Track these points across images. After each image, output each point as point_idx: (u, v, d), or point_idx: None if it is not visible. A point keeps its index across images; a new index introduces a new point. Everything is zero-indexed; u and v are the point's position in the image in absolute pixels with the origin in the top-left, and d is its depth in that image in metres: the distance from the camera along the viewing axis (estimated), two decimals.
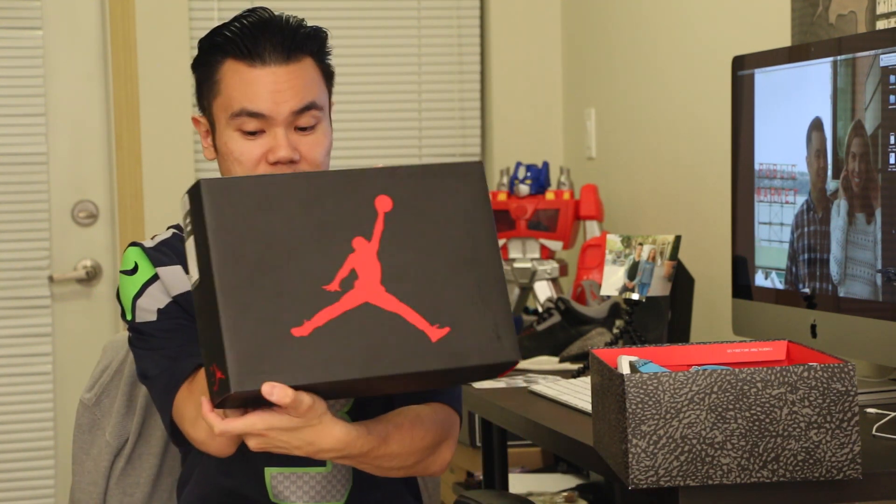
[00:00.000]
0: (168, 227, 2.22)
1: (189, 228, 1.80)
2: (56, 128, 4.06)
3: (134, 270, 2.14)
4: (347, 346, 1.78)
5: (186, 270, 2.08)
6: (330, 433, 1.86)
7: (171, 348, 2.08)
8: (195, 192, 1.78)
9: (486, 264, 1.85)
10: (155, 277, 2.12)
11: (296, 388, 1.76)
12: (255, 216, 1.77)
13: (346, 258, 1.79)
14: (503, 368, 1.87)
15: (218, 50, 2.09)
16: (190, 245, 1.80)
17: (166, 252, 2.14)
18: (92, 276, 4.10)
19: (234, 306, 1.75)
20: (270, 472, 2.13)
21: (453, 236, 1.85)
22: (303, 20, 2.12)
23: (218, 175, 2.14)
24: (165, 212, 4.04)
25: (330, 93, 2.16)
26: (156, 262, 2.13)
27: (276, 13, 2.11)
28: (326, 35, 2.15)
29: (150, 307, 2.11)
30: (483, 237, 1.86)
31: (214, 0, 4.12)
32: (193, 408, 2.00)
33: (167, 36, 4.05)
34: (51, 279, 4.06)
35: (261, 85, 2.06)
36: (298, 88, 2.07)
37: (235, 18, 2.10)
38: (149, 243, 2.17)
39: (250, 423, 1.81)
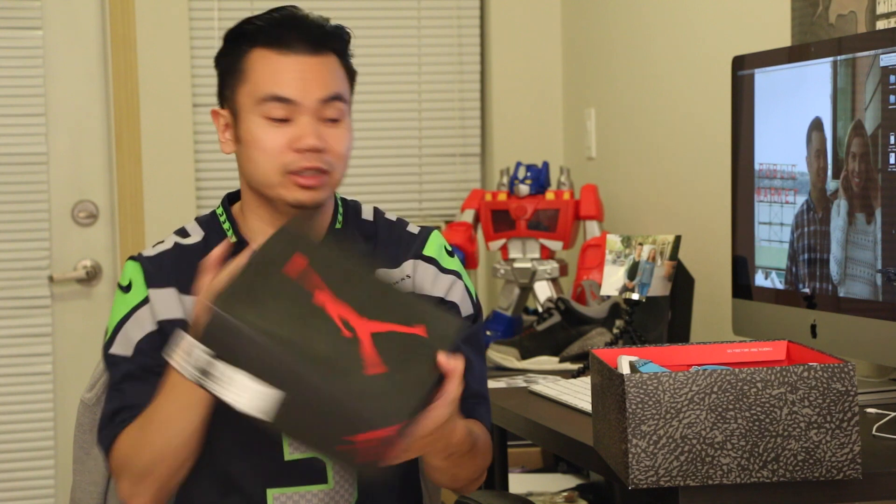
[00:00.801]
0: (173, 232, 2.21)
1: (214, 361, 1.76)
2: (56, 128, 4.06)
3: (129, 288, 2.14)
4: (408, 365, 1.80)
5: (182, 291, 2.11)
6: (457, 424, 1.92)
7: (129, 395, 2.09)
8: (213, 331, 1.74)
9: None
10: (146, 300, 2.12)
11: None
12: (261, 335, 1.77)
13: (327, 311, 1.81)
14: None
15: (245, 39, 2.11)
16: (229, 374, 1.76)
17: (164, 268, 2.14)
18: (92, 276, 4.10)
19: (325, 382, 1.73)
20: (272, 493, 2.12)
21: (355, 253, 1.94)
22: (328, 19, 2.15)
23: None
24: (165, 212, 4.04)
25: (351, 93, 2.17)
26: (150, 281, 2.13)
27: (304, 11, 2.15)
28: (350, 36, 2.17)
29: (130, 338, 2.11)
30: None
31: (215, 0, 4.12)
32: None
33: (167, 36, 4.05)
34: (51, 279, 4.06)
35: (289, 72, 2.08)
36: (325, 78, 2.09)
37: (264, 13, 2.13)
38: (149, 252, 2.17)
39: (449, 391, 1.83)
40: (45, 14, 4.03)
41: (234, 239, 2.15)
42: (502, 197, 3.76)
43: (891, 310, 2.31)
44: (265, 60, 2.09)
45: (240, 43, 2.12)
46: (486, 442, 2.14)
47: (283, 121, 2.08)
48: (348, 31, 2.17)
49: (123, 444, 2.06)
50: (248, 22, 2.12)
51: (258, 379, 1.74)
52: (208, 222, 2.19)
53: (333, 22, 2.17)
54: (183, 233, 2.19)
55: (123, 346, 2.11)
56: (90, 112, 4.08)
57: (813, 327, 2.53)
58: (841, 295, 2.45)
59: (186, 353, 1.74)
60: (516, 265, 3.72)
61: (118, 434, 2.07)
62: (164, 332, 2.09)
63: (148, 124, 4.06)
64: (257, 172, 2.10)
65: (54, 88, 4.05)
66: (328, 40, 2.12)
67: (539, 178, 3.75)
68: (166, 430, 2.00)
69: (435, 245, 2.21)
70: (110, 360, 2.12)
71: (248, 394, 1.73)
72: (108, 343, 2.12)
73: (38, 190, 4.04)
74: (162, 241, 2.19)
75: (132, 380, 2.09)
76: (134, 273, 2.14)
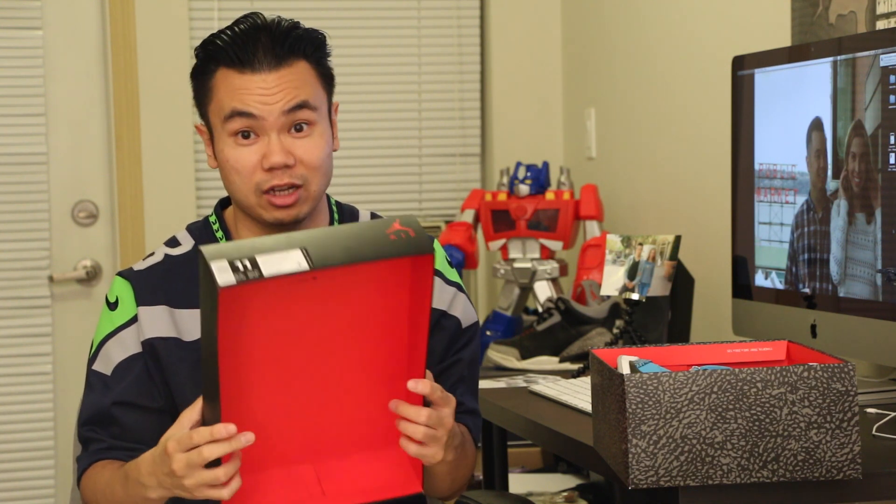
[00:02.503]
0: (164, 242, 2.20)
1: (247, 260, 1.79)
2: (56, 128, 4.06)
3: (115, 305, 2.13)
4: None
5: (173, 305, 2.11)
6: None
7: (107, 419, 2.10)
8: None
9: None
10: (133, 319, 2.11)
11: None
12: None
13: None
14: None
15: (211, 59, 2.08)
16: (263, 260, 1.78)
17: (154, 283, 2.13)
18: (92, 276, 4.10)
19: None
20: None
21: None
22: (297, 23, 2.10)
23: (217, 170, 2.13)
24: (165, 212, 4.04)
25: (329, 95, 2.13)
26: (140, 299, 2.12)
27: (270, 18, 2.09)
28: (324, 37, 2.12)
29: (112, 357, 2.11)
30: None
31: (215, 0, 4.12)
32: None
33: (167, 36, 4.05)
34: (51, 279, 4.06)
35: (251, 89, 2.04)
36: (289, 89, 2.05)
37: (229, 26, 2.08)
38: (139, 266, 2.16)
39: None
40: (45, 14, 4.03)
41: None
42: (502, 197, 3.76)
43: (891, 310, 2.31)
44: (228, 81, 2.06)
45: (207, 62, 2.09)
46: (472, 449, 2.14)
47: (251, 139, 2.06)
48: (321, 34, 2.11)
49: (89, 486, 2.07)
50: (213, 39, 2.08)
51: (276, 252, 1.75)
52: (200, 230, 2.18)
53: (311, 24, 2.12)
54: (173, 242, 2.18)
55: (104, 365, 2.12)
56: (90, 112, 4.08)
57: (813, 327, 2.53)
58: (841, 295, 2.45)
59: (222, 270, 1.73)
60: (516, 265, 3.72)
61: (87, 468, 2.08)
62: (154, 350, 2.10)
63: (148, 124, 4.06)
64: (236, 193, 2.10)
65: (54, 88, 4.05)
66: (295, 47, 2.07)
67: (539, 178, 3.75)
68: None
69: (439, 256, 2.21)
70: (91, 376, 2.13)
71: (285, 262, 1.74)
72: (92, 358, 2.13)
73: (38, 190, 4.04)
74: (152, 254, 2.18)
75: (117, 405, 2.09)
76: (122, 291, 2.13)
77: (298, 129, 2.07)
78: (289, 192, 2.06)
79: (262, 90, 2.04)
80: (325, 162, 2.09)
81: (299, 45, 2.07)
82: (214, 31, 2.11)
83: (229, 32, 2.07)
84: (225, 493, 1.80)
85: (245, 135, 2.06)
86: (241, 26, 2.07)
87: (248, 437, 1.77)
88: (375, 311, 1.82)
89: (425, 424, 1.85)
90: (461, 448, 2.03)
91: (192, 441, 1.79)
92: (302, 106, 2.06)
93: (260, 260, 1.71)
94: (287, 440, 1.85)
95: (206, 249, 1.70)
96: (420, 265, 1.79)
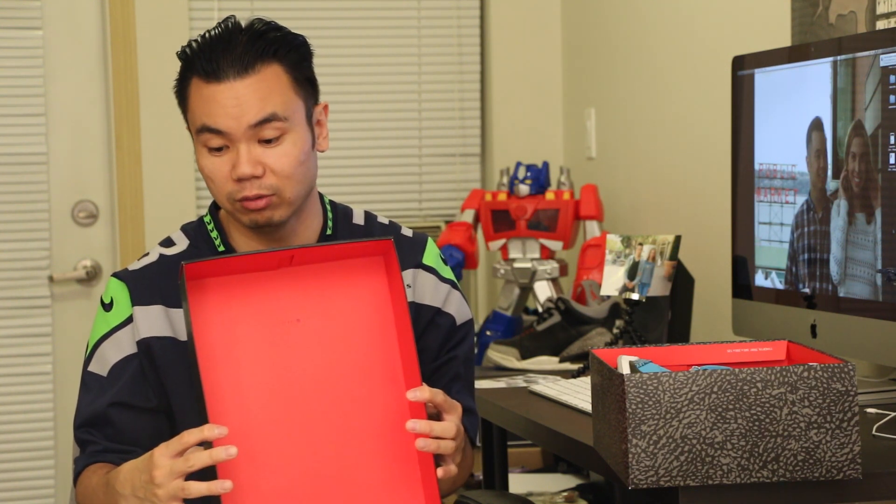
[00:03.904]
0: (158, 243, 2.20)
1: None
2: (56, 128, 4.06)
3: (110, 306, 2.13)
4: None
5: (168, 305, 2.11)
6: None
7: (103, 420, 2.10)
8: None
9: None
10: (129, 320, 2.11)
11: None
12: None
13: None
14: None
15: (186, 68, 2.09)
16: None
17: (149, 283, 2.13)
18: (92, 276, 4.10)
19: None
20: None
21: None
22: (275, 25, 2.08)
23: None
24: (165, 212, 4.04)
25: (309, 99, 2.11)
26: (136, 299, 2.12)
27: (246, 21, 2.08)
28: (301, 41, 2.10)
29: (107, 358, 2.10)
30: None
31: (215, 0, 4.12)
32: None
33: (167, 36, 4.05)
34: (51, 279, 4.06)
35: (218, 101, 2.04)
36: (256, 101, 2.04)
37: (204, 32, 2.08)
38: (134, 266, 2.16)
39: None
40: (45, 14, 4.03)
41: (222, 248, 2.15)
42: (502, 197, 3.76)
43: (891, 310, 2.31)
44: (199, 92, 2.06)
45: (183, 71, 2.10)
46: (470, 449, 2.15)
47: (222, 150, 2.06)
48: (299, 37, 2.10)
49: (81, 489, 2.07)
50: (188, 45, 2.08)
51: None
52: (195, 230, 2.19)
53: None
54: (168, 243, 2.18)
55: (99, 366, 2.11)
56: (90, 112, 4.08)
57: (813, 327, 2.53)
58: (841, 295, 2.45)
59: None
60: (516, 265, 3.72)
61: (82, 470, 2.08)
62: (149, 349, 2.10)
63: (148, 124, 4.06)
64: (215, 198, 2.12)
65: (54, 88, 4.05)
66: (265, 51, 2.05)
67: (539, 178, 3.75)
68: None
69: (433, 254, 2.21)
70: (86, 374, 2.12)
71: None
72: (87, 360, 2.13)
73: (38, 190, 4.04)
74: (147, 254, 2.18)
75: (113, 406, 2.09)
76: (117, 292, 2.13)
77: (268, 139, 2.06)
78: (258, 199, 2.06)
79: (229, 101, 2.04)
80: (297, 170, 2.07)
81: (270, 48, 2.05)
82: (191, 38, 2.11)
83: (199, 39, 2.07)
84: None
85: (216, 146, 2.07)
86: (214, 31, 2.07)
87: (230, 451, 1.77)
88: (360, 314, 1.84)
89: (438, 436, 1.85)
90: (464, 454, 2.04)
91: (181, 442, 1.79)
92: (269, 119, 2.04)
93: None
94: (288, 466, 1.85)
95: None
96: (389, 260, 1.84)
